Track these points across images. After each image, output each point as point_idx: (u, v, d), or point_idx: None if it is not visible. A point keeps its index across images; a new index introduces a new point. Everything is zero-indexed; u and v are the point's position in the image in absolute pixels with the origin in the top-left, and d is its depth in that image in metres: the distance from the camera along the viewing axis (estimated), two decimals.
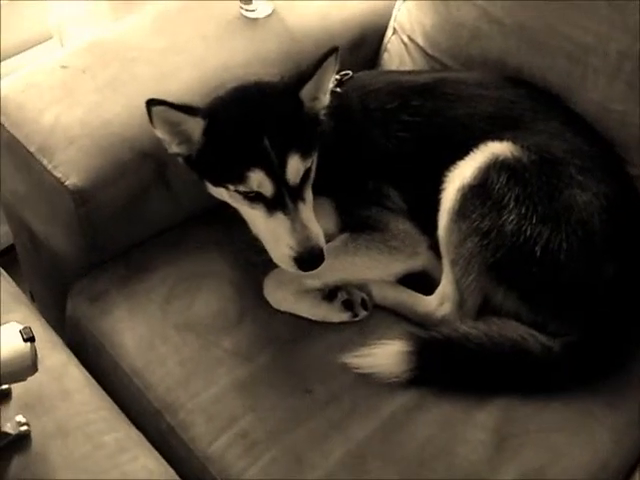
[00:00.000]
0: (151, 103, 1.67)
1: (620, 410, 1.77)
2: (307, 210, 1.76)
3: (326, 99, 1.85)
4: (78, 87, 1.98)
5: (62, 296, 2.00)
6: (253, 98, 1.80)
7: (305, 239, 1.72)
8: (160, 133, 1.74)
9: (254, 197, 1.73)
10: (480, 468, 1.66)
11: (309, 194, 1.79)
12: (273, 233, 1.75)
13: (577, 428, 1.73)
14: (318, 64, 1.75)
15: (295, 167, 1.73)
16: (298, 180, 1.74)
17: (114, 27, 2.23)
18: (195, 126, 1.73)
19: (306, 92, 1.78)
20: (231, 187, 1.74)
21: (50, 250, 2.03)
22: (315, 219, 1.77)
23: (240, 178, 1.71)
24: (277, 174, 1.71)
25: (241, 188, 1.73)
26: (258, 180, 1.70)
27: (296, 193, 1.74)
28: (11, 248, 2.45)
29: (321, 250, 1.74)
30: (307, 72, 1.77)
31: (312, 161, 1.79)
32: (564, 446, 1.70)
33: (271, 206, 1.73)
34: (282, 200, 1.72)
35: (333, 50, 1.75)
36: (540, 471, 1.66)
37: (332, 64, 1.77)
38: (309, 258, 1.73)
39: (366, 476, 1.64)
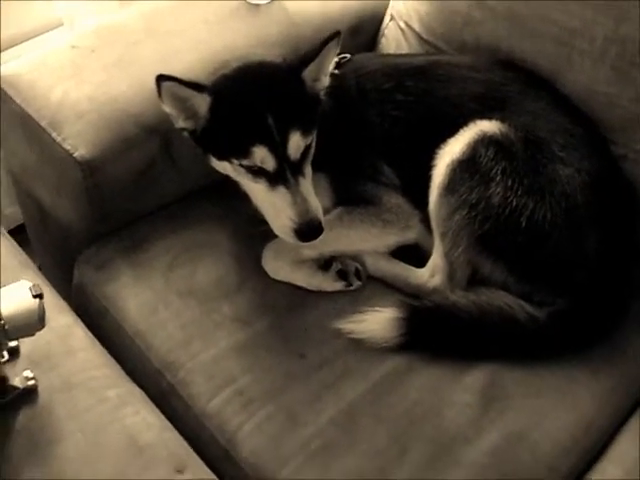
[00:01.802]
0: (161, 79, 1.76)
1: (603, 377, 1.83)
2: (307, 184, 1.84)
3: (326, 80, 1.93)
4: (86, 66, 2.06)
5: (69, 268, 2.08)
6: (257, 77, 1.88)
7: (305, 212, 1.79)
8: (168, 108, 1.83)
9: (257, 171, 1.81)
10: (466, 429, 1.72)
11: (309, 169, 1.87)
12: (274, 206, 1.82)
13: (561, 393, 1.80)
14: (321, 47, 1.84)
15: (296, 144, 1.80)
16: (299, 156, 1.82)
17: (121, 13, 2.32)
18: (202, 102, 1.81)
19: (308, 73, 1.87)
20: (235, 161, 1.82)
21: (58, 222, 2.11)
22: (314, 193, 1.85)
23: (244, 153, 1.79)
24: (279, 150, 1.79)
25: (245, 163, 1.81)
26: (261, 156, 1.78)
27: (297, 168, 1.82)
28: (21, 229, 2.54)
29: (320, 222, 1.81)
30: (310, 54, 1.85)
31: (312, 138, 1.86)
32: (548, 410, 1.77)
33: (273, 180, 1.81)
34: (283, 175, 1.80)
35: (336, 34, 1.84)
36: (524, 433, 1.72)
37: (334, 47, 1.86)
38: (308, 230, 1.80)
39: (356, 433, 1.70)
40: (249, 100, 1.82)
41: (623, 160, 2.01)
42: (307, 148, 1.85)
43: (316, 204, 1.83)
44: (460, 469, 1.66)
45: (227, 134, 1.83)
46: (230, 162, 1.84)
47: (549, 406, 1.78)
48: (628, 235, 1.97)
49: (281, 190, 1.80)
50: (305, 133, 1.82)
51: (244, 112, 1.81)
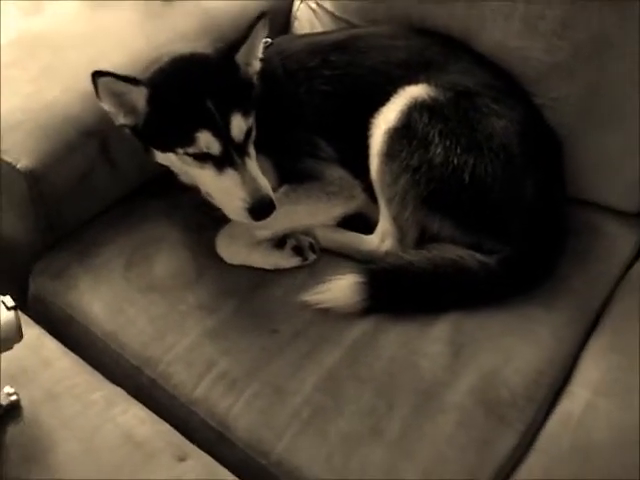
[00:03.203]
0: (97, 75, 1.76)
1: (557, 311, 1.94)
2: (253, 164, 1.88)
3: (257, 64, 1.96)
4: (12, 79, 2.02)
5: (19, 281, 2.04)
6: (192, 65, 1.90)
7: (255, 190, 1.83)
8: (106, 105, 1.83)
9: (203, 157, 1.83)
10: (443, 375, 1.80)
11: (252, 150, 1.90)
12: (225, 189, 1.85)
13: (522, 331, 1.90)
14: (250, 29, 1.88)
15: (238, 125, 1.84)
16: (242, 137, 1.85)
17: (34, 22, 2.29)
18: (139, 95, 1.82)
19: (241, 56, 1.90)
20: (180, 151, 1.84)
21: (3, 236, 2.06)
22: (261, 173, 1.88)
23: (188, 141, 1.81)
24: (223, 133, 1.82)
25: (190, 150, 1.83)
26: (206, 140, 1.81)
27: (242, 149, 1.85)
28: None
29: (271, 199, 1.85)
30: (240, 38, 1.89)
31: (252, 120, 1.89)
32: (513, 348, 1.86)
33: (220, 164, 1.83)
34: (230, 157, 1.83)
35: (262, 15, 1.88)
36: (496, 371, 1.81)
37: (262, 29, 1.90)
38: (261, 207, 1.83)
39: (342, 396, 1.76)
40: (186, 87, 1.85)
41: (542, 109, 2.12)
42: (249, 130, 1.88)
43: (265, 182, 1.87)
44: (446, 413, 1.74)
45: (169, 124, 1.85)
46: (175, 152, 1.86)
47: (513, 345, 1.87)
48: (557, 176, 2.10)
49: (229, 172, 1.83)
50: (245, 114, 1.86)
51: (183, 99, 1.84)
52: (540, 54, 2.09)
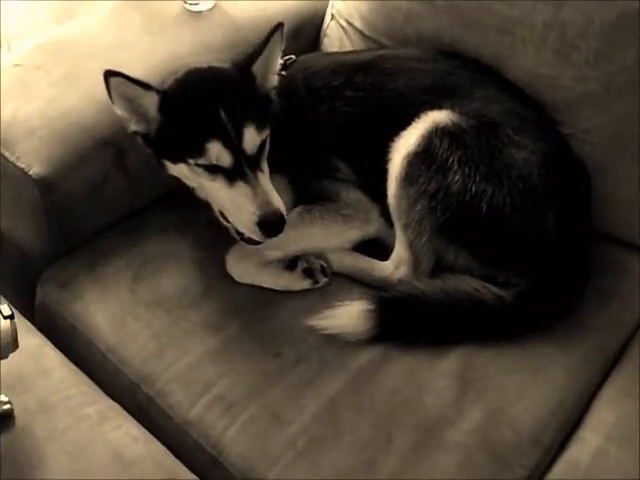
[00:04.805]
0: (109, 74, 1.75)
1: (572, 350, 1.88)
2: (265, 179, 1.84)
3: (275, 79, 1.94)
4: (33, 83, 2.04)
5: (27, 290, 2.04)
6: (206, 75, 1.89)
7: (265, 204, 1.79)
8: (119, 109, 1.82)
9: (214, 169, 1.80)
10: (447, 412, 1.75)
11: (265, 166, 1.86)
12: (235, 202, 1.81)
13: (534, 369, 1.84)
14: (266, 40, 1.86)
15: (251, 137, 1.81)
16: (255, 150, 1.82)
17: (63, 28, 2.30)
18: (150, 101, 1.81)
19: (257, 68, 1.88)
20: (191, 161, 1.81)
21: (15, 244, 2.07)
22: (273, 188, 1.84)
23: (199, 151, 1.79)
24: (234, 145, 1.79)
25: (201, 162, 1.80)
26: (216, 151, 1.78)
27: (254, 163, 1.82)
28: None
29: (282, 214, 1.81)
30: (257, 49, 1.87)
31: (267, 135, 1.86)
32: (523, 386, 1.81)
33: (231, 176, 1.80)
34: (241, 170, 1.79)
35: (278, 26, 1.86)
36: (503, 410, 1.75)
37: (278, 39, 1.88)
38: (271, 222, 1.79)
39: (341, 426, 1.71)
40: (199, 95, 1.83)
41: (571, 139, 2.07)
42: (262, 144, 1.85)
43: (277, 197, 1.83)
44: (447, 452, 1.68)
45: (180, 133, 1.83)
46: (187, 163, 1.83)
47: (524, 383, 1.81)
48: (583, 211, 2.04)
49: (240, 185, 1.80)
50: (259, 128, 1.83)
51: (195, 108, 1.82)
52: (571, 83, 2.03)
